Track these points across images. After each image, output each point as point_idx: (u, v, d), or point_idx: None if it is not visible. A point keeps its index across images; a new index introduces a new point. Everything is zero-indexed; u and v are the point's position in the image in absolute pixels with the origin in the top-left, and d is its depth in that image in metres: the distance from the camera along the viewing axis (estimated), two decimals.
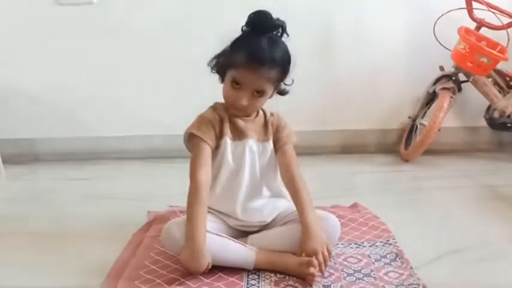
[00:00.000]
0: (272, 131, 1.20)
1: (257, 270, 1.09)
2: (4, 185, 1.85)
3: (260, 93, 1.12)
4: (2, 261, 1.22)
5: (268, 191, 1.21)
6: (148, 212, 1.47)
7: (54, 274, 1.14)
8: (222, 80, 1.16)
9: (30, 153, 2.17)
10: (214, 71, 1.17)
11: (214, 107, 1.19)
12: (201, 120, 1.15)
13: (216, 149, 1.15)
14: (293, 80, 1.18)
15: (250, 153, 1.17)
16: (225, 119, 1.16)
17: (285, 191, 1.22)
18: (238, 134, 1.16)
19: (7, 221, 1.49)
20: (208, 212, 1.16)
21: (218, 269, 1.08)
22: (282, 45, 1.12)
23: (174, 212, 1.42)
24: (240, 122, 1.17)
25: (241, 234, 1.17)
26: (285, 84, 1.18)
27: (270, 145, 1.20)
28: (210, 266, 1.05)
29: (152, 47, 2.06)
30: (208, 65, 1.17)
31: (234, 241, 1.10)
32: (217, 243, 1.07)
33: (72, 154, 2.15)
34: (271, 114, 1.23)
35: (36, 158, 2.17)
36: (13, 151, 2.12)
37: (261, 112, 1.22)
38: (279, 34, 1.13)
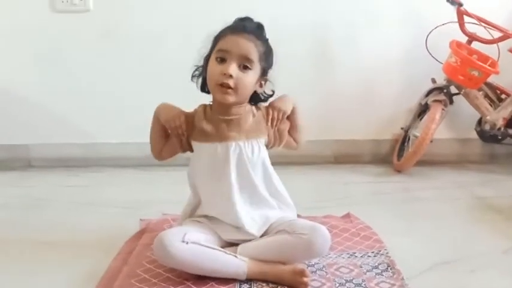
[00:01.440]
0: (264, 123, 1.17)
1: (249, 280, 1.09)
2: None
3: (247, 65, 1.09)
4: None
5: (265, 190, 1.19)
6: (141, 219, 1.46)
7: (45, 282, 1.13)
8: (204, 85, 1.16)
9: (24, 159, 2.16)
10: (197, 76, 1.18)
11: (195, 110, 1.18)
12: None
13: (189, 150, 1.18)
14: (273, 91, 1.20)
15: (235, 154, 1.13)
16: (201, 121, 1.14)
17: (284, 194, 1.22)
18: (220, 136, 1.14)
19: (0, 227, 1.48)
20: (198, 221, 1.17)
21: (210, 278, 1.08)
22: (264, 35, 1.15)
23: (167, 220, 1.42)
24: (224, 125, 1.14)
25: (231, 244, 1.16)
26: (265, 92, 1.18)
27: (262, 142, 1.17)
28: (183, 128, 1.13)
29: (149, 53, 2.07)
30: (192, 77, 1.18)
31: (225, 252, 1.10)
32: (208, 256, 1.07)
33: (66, 161, 2.15)
34: (258, 108, 1.18)
35: (30, 164, 2.17)
36: (7, 157, 2.12)
37: (247, 107, 1.17)
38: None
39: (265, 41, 1.14)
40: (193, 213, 1.21)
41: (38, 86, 2.10)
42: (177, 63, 2.03)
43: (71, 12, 2.03)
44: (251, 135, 1.16)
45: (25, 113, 2.13)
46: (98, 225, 1.46)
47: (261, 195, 1.18)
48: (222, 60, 1.09)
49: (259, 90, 1.18)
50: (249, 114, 1.16)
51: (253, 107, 1.18)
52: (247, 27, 1.11)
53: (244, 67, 1.09)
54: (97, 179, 2.00)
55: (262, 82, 1.17)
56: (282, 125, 1.20)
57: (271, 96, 1.20)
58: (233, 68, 1.08)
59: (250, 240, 1.16)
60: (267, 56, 1.13)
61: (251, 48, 1.09)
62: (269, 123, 1.17)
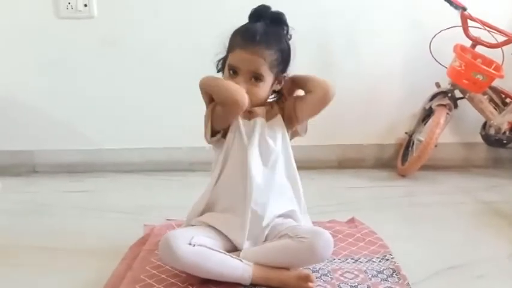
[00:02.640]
0: (278, 107, 1.18)
1: (253, 285, 1.08)
2: (1, 197, 1.85)
3: (258, 78, 1.10)
4: None
5: (284, 177, 1.18)
6: (145, 225, 1.46)
7: (48, 287, 1.13)
8: None
9: (28, 165, 2.16)
10: (221, 70, 1.18)
11: None
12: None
13: (224, 137, 1.15)
14: None
15: (261, 131, 1.14)
16: None
17: (299, 188, 1.21)
18: (246, 114, 1.14)
19: (3, 233, 1.48)
20: (205, 225, 1.16)
21: (214, 284, 1.08)
22: (279, 31, 1.13)
23: (171, 225, 1.42)
24: (246, 113, 1.15)
25: (234, 248, 1.16)
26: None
27: (279, 119, 1.17)
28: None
29: (152, 60, 2.08)
30: (216, 67, 1.18)
31: (231, 256, 1.09)
32: (214, 259, 1.07)
33: (70, 166, 2.15)
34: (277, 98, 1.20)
35: (35, 169, 2.17)
36: (11, 162, 2.13)
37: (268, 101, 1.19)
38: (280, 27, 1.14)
39: (279, 43, 1.12)
40: (206, 209, 1.19)
41: (42, 92, 2.11)
42: (180, 70, 2.05)
43: (75, 18, 2.04)
44: (270, 118, 1.17)
45: (29, 119, 2.14)
46: (101, 231, 1.46)
47: (279, 182, 1.17)
48: (234, 72, 1.11)
49: (278, 88, 1.18)
50: (268, 107, 1.18)
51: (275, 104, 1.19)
52: (256, 35, 1.08)
53: (256, 79, 1.11)
54: (101, 184, 2.00)
55: (281, 79, 1.17)
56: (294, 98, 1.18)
57: None
58: (243, 85, 1.09)
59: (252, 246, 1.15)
60: (281, 60, 1.12)
61: (259, 64, 1.09)
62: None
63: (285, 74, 1.17)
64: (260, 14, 1.12)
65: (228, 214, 1.16)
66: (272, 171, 1.17)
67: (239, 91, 1.08)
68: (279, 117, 1.18)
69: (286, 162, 1.20)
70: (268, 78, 1.12)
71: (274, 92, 1.19)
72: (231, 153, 1.15)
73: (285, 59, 1.14)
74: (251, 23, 1.13)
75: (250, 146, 1.13)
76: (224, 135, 1.17)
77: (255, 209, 1.14)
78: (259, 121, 1.16)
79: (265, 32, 1.10)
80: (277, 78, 1.16)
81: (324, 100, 1.15)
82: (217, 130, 1.16)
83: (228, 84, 1.09)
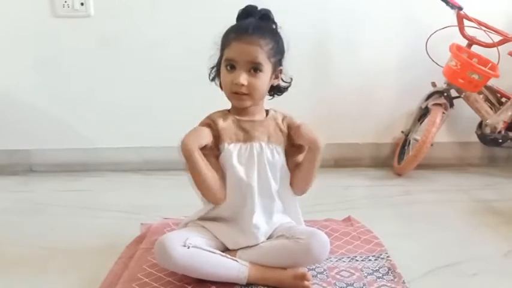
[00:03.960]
0: (285, 132, 1.16)
1: (250, 284, 1.09)
2: None
3: (257, 68, 1.08)
4: None
5: (281, 204, 1.19)
6: (142, 224, 1.47)
7: (46, 287, 1.13)
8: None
9: (25, 164, 2.16)
10: (214, 78, 1.17)
11: (208, 117, 1.14)
12: (194, 129, 1.11)
13: (216, 158, 1.13)
14: (291, 78, 1.19)
15: (259, 156, 1.12)
16: (223, 122, 1.12)
17: (297, 209, 1.21)
18: (244, 137, 1.12)
19: (0, 232, 1.48)
20: (201, 227, 1.16)
21: (211, 282, 1.08)
22: (270, 25, 1.13)
23: (168, 224, 1.42)
24: (246, 124, 1.13)
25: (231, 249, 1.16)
26: (283, 81, 1.18)
27: (281, 149, 1.15)
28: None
29: (149, 58, 2.07)
30: (209, 77, 1.17)
31: (227, 257, 1.10)
32: (209, 260, 1.07)
33: (67, 165, 2.15)
34: (284, 117, 1.18)
35: (31, 169, 2.17)
36: (8, 162, 2.12)
37: (271, 113, 1.17)
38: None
39: (272, 34, 1.11)
40: (205, 216, 1.18)
41: (39, 91, 2.10)
42: (178, 69, 2.05)
43: (72, 17, 2.03)
44: (272, 139, 1.15)
45: (26, 119, 2.13)
46: (98, 230, 1.47)
47: (275, 201, 1.17)
48: (232, 67, 1.09)
49: (276, 83, 1.17)
50: (271, 120, 1.16)
51: (278, 115, 1.18)
52: (249, 27, 1.08)
53: (255, 70, 1.09)
54: (97, 183, 2.00)
55: (278, 73, 1.16)
56: (297, 152, 1.17)
57: (289, 84, 1.20)
58: (243, 77, 1.08)
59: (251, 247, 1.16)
60: (276, 49, 1.11)
61: (257, 52, 1.07)
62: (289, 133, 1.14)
63: (281, 67, 1.16)
64: (248, 13, 1.13)
65: (226, 227, 1.15)
66: (271, 200, 1.16)
67: (218, 192, 1.10)
68: (281, 147, 1.15)
69: (285, 186, 1.18)
70: (267, 68, 1.10)
71: (271, 89, 1.18)
72: (228, 180, 1.13)
73: (280, 50, 1.13)
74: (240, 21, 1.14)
75: (249, 180, 1.11)
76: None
77: (255, 232, 1.14)
78: (257, 148, 1.12)
79: (258, 24, 1.10)
80: (275, 71, 1.14)
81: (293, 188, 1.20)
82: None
83: (209, 183, 1.09)
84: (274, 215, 1.18)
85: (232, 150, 1.11)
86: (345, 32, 2.09)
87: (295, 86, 1.19)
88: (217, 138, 1.12)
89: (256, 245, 1.14)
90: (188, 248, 1.05)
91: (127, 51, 2.07)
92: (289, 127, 1.17)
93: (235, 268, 1.08)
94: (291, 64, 1.18)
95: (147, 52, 2.07)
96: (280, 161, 1.15)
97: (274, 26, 1.15)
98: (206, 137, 1.09)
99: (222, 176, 1.13)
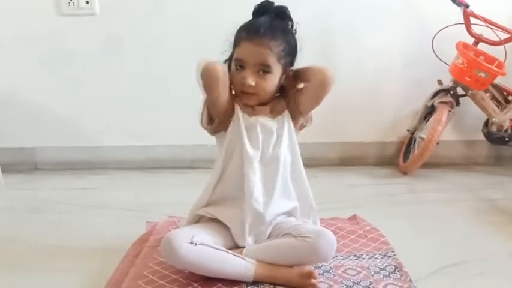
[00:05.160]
0: (284, 102, 1.16)
1: (256, 282, 1.08)
2: (3, 194, 1.85)
3: (265, 70, 1.08)
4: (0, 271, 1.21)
5: (288, 176, 1.17)
6: (147, 222, 1.47)
7: (51, 285, 1.14)
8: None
9: (30, 162, 2.17)
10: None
11: None
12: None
13: (224, 129, 1.14)
14: None
15: (263, 128, 1.13)
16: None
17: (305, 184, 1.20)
18: (250, 112, 1.13)
19: (5, 230, 1.48)
20: (207, 223, 1.16)
21: (217, 280, 1.08)
22: (284, 25, 1.12)
23: (173, 222, 1.42)
24: (250, 109, 1.14)
25: (236, 245, 1.16)
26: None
27: (286, 115, 1.15)
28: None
29: (154, 57, 2.07)
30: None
31: (233, 254, 1.10)
32: (216, 257, 1.07)
33: (72, 164, 2.15)
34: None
35: (36, 167, 2.17)
36: (13, 160, 2.12)
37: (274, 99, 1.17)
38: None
39: (284, 34, 1.11)
40: (208, 204, 1.18)
41: (44, 90, 2.11)
42: (182, 67, 2.03)
43: (77, 15, 2.04)
44: (276, 111, 1.15)
45: (31, 117, 2.14)
46: (103, 228, 1.47)
47: (282, 181, 1.16)
48: (241, 67, 1.10)
49: (286, 83, 1.16)
50: (275, 102, 1.17)
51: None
52: (261, 28, 1.07)
53: (263, 71, 1.09)
54: (102, 181, 2.00)
55: (288, 74, 1.15)
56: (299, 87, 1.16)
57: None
58: (251, 78, 1.08)
59: (254, 244, 1.15)
60: (288, 51, 1.11)
61: (266, 54, 1.08)
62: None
63: (292, 68, 1.15)
64: (264, 9, 1.12)
65: (231, 209, 1.15)
66: (274, 171, 1.15)
67: (210, 63, 1.07)
68: (286, 113, 1.16)
69: (293, 161, 1.18)
70: (277, 70, 1.10)
71: (281, 88, 1.17)
72: (232, 152, 1.14)
73: (291, 51, 1.13)
74: (255, 18, 1.13)
75: (250, 146, 1.12)
76: (223, 127, 1.15)
77: (257, 207, 1.13)
78: (261, 120, 1.14)
79: (270, 24, 1.09)
80: (285, 72, 1.14)
81: (322, 87, 1.11)
82: (214, 118, 1.14)
83: (204, 61, 1.08)
84: (276, 191, 1.15)
85: (240, 117, 1.12)
86: (350, 30, 2.08)
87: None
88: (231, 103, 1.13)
89: (262, 242, 1.14)
90: (195, 245, 1.05)
91: (132, 49, 2.07)
92: (294, 76, 1.15)
93: (242, 265, 1.08)
94: (296, 62, 1.17)
95: (153, 50, 2.07)
96: (287, 130, 1.15)
97: (289, 25, 1.14)
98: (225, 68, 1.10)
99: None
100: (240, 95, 1.13)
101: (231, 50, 1.15)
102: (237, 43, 1.11)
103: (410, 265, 1.17)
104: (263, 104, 1.15)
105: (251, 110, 1.15)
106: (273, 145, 1.14)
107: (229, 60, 1.16)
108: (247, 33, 1.10)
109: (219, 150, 1.18)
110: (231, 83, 1.13)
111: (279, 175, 1.16)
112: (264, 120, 1.14)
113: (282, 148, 1.15)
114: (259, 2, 1.14)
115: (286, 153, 1.16)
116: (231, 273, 1.08)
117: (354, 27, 2.08)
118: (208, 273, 1.07)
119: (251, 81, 1.08)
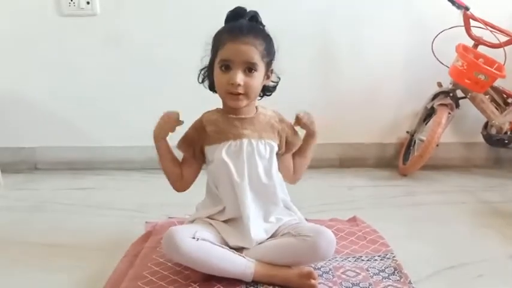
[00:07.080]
0: (278, 131, 1.18)
1: (255, 282, 1.09)
2: (3, 193, 1.85)
3: (252, 68, 1.09)
4: None
5: (277, 200, 1.18)
6: (147, 222, 1.47)
7: (50, 285, 1.14)
8: (212, 85, 1.16)
9: (29, 162, 2.17)
10: (204, 80, 1.18)
11: (200, 118, 1.19)
12: (183, 138, 1.20)
13: (193, 156, 1.18)
14: (279, 78, 1.20)
15: (249, 154, 1.13)
16: (212, 123, 1.15)
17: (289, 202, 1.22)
18: (234, 135, 1.14)
19: (5, 230, 1.48)
20: (208, 223, 1.17)
21: (216, 280, 1.08)
22: (259, 26, 1.15)
23: (173, 222, 1.42)
24: (236, 122, 1.15)
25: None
26: (272, 82, 1.19)
27: (275, 146, 1.17)
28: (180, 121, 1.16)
29: (154, 58, 2.08)
30: (198, 79, 1.19)
31: (234, 252, 1.10)
32: (217, 254, 1.07)
33: (71, 164, 2.15)
34: (273, 112, 1.20)
35: (36, 167, 2.17)
36: (12, 160, 2.13)
37: (260, 109, 1.19)
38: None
39: (263, 35, 1.13)
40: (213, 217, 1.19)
41: (44, 90, 2.11)
42: (183, 67, 2.03)
43: (78, 16, 2.04)
44: (264, 135, 1.16)
45: (31, 117, 2.14)
46: (103, 228, 1.47)
47: (271, 197, 1.17)
48: (227, 68, 1.10)
49: (267, 83, 1.18)
50: (261, 116, 1.18)
51: (267, 111, 1.20)
52: (243, 28, 1.10)
53: (250, 70, 1.10)
54: (102, 182, 2.00)
55: (269, 74, 1.17)
56: (295, 137, 1.22)
57: (277, 83, 1.21)
58: (240, 77, 1.09)
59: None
60: (268, 50, 1.13)
61: (252, 52, 1.09)
62: (295, 122, 1.19)
63: (271, 68, 1.17)
64: (238, 15, 1.14)
65: (230, 226, 1.16)
66: (267, 197, 1.17)
67: (174, 183, 1.21)
68: (275, 144, 1.18)
69: (275, 177, 1.18)
70: (261, 68, 1.12)
71: (263, 89, 1.18)
72: (221, 178, 1.15)
73: (271, 51, 1.14)
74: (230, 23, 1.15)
75: (239, 178, 1.13)
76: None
77: (250, 233, 1.14)
78: (247, 145, 1.14)
79: (250, 25, 1.12)
80: (267, 72, 1.15)
81: (289, 176, 1.25)
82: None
83: (167, 172, 1.22)
84: (272, 212, 1.18)
85: (222, 148, 1.14)
86: (350, 32, 2.09)
87: (300, 87, 1.19)
88: (206, 139, 1.16)
89: (261, 243, 1.14)
90: (197, 240, 1.06)
91: (132, 50, 2.07)
92: (285, 123, 1.21)
93: (242, 264, 1.08)
94: (296, 65, 1.18)
95: (153, 51, 2.07)
96: (273, 156, 1.17)
97: (262, 28, 1.16)
98: (172, 128, 1.18)
99: (195, 172, 1.21)
100: (227, 97, 1.12)
101: (209, 56, 1.15)
102: (220, 46, 1.11)
103: (410, 267, 1.17)
104: (253, 99, 1.15)
105: (238, 122, 1.15)
106: (261, 178, 1.15)
107: (209, 67, 1.16)
108: (230, 34, 1.10)
109: (207, 175, 1.20)
110: (217, 86, 1.13)
111: (269, 194, 1.17)
112: (249, 148, 1.14)
113: (271, 168, 1.17)
114: (230, 11, 1.16)
115: (272, 172, 1.17)
116: (231, 270, 1.07)
117: (354, 29, 2.08)
118: (208, 269, 1.07)
119: (239, 79, 1.08)
